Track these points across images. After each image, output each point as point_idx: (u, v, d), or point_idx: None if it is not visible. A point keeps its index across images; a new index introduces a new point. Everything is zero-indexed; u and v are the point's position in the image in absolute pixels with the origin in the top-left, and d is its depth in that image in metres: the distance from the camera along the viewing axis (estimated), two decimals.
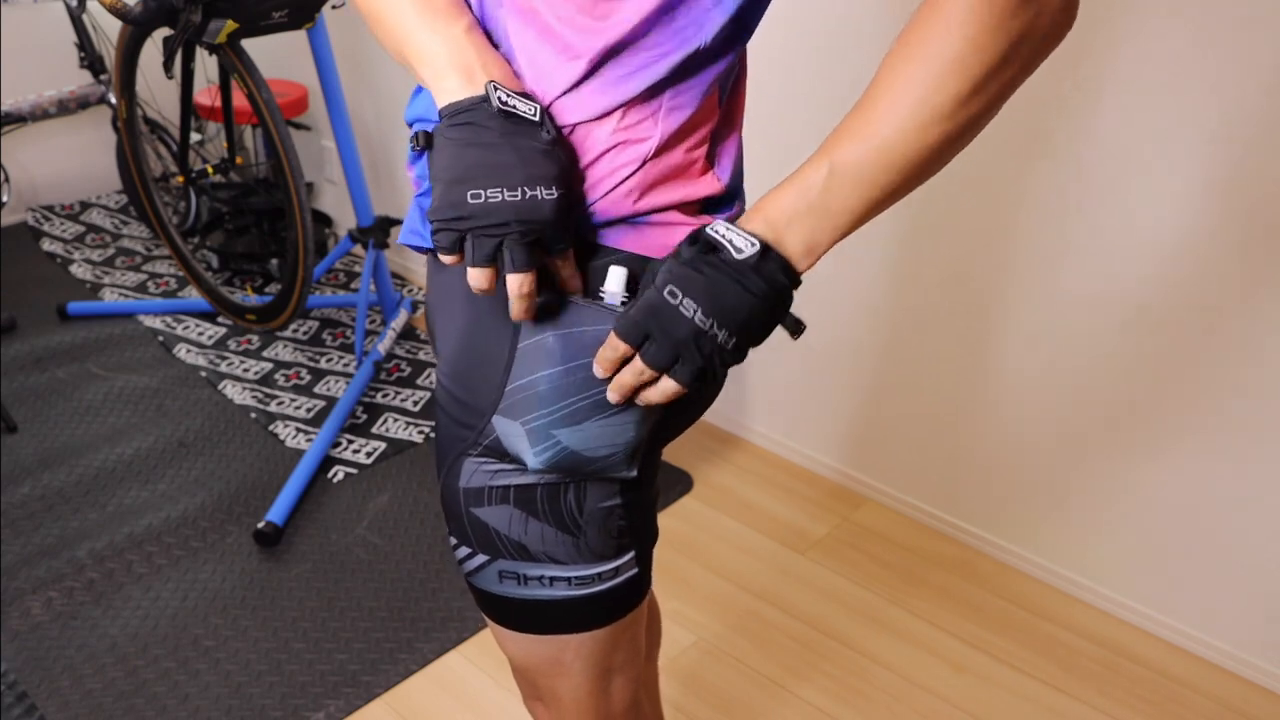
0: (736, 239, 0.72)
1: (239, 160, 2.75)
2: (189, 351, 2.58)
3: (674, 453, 2.26)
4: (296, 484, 2.10)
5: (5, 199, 2.94)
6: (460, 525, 0.89)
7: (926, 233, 1.88)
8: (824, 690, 1.75)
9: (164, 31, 2.11)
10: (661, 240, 0.80)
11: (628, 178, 0.77)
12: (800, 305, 0.76)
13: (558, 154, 0.74)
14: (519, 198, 0.72)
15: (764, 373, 2.26)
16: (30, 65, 2.98)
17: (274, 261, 2.89)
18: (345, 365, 2.59)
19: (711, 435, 2.36)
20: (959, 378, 1.97)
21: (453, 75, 0.75)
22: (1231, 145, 1.52)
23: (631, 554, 0.91)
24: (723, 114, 0.82)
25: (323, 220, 3.08)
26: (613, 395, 0.78)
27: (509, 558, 0.88)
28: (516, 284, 0.74)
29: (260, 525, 1.98)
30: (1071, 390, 1.83)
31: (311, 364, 2.59)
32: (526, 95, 0.75)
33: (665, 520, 2.09)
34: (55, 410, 2.36)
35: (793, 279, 0.74)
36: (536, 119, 0.73)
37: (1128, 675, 1.80)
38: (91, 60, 2.82)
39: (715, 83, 0.79)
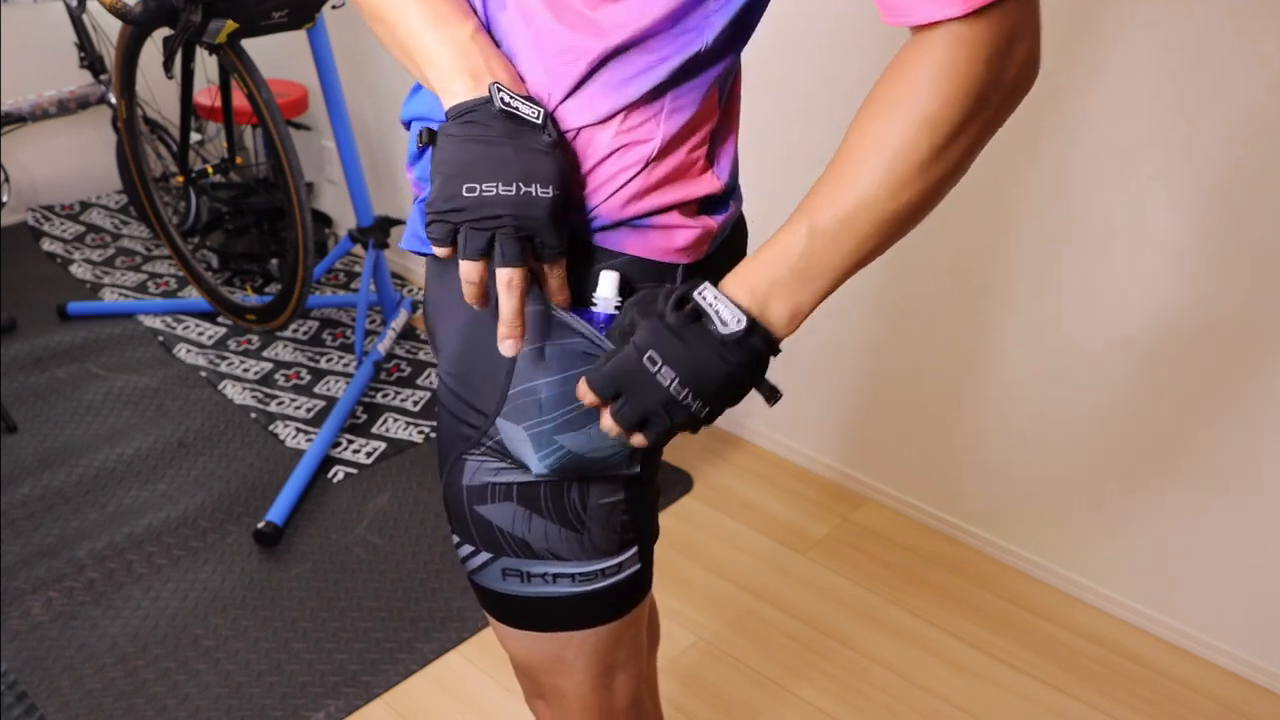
0: (723, 311, 0.73)
1: (239, 160, 2.75)
2: (189, 351, 2.58)
3: (674, 453, 2.26)
4: (296, 484, 2.10)
5: (5, 199, 2.94)
6: (463, 523, 0.90)
7: (926, 232, 1.87)
8: (824, 690, 1.76)
9: (164, 31, 2.11)
10: (663, 243, 0.80)
11: (630, 180, 0.77)
12: None
13: (557, 156, 0.74)
14: (514, 193, 0.72)
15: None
16: (30, 65, 2.98)
17: (274, 261, 2.89)
18: (345, 365, 2.59)
19: (711, 435, 2.36)
20: (959, 378, 1.97)
21: (459, 78, 0.75)
22: (1232, 146, 1.52)
23: (634, 549, 0.91)
24: (722, 113, 0.83)
25: (323, 220, 3.08)
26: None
27: (512, 555, 0.88)
28: (505, 278, 0.75)
29: (260, 525, 1.98)
30: (1071, 390, 1.83)
31: (311, 364, 2.59)
32: (530, 99, 0.75)
33: (665, 520, 2.09)
34: (55, 410, 2.36)
35: (773, 348, 0.75)
36: (539, 121, 0.74)
37: (1128, 675, 1.80)
38: (91, 60, 2.82)
39: (715, 83, 0.79)
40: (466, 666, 1.77)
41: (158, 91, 2.92)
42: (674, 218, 0.80)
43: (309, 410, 2.40)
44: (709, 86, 0.78)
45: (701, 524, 2.12)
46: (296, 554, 1.98)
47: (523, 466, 0.85)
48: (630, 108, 0.76)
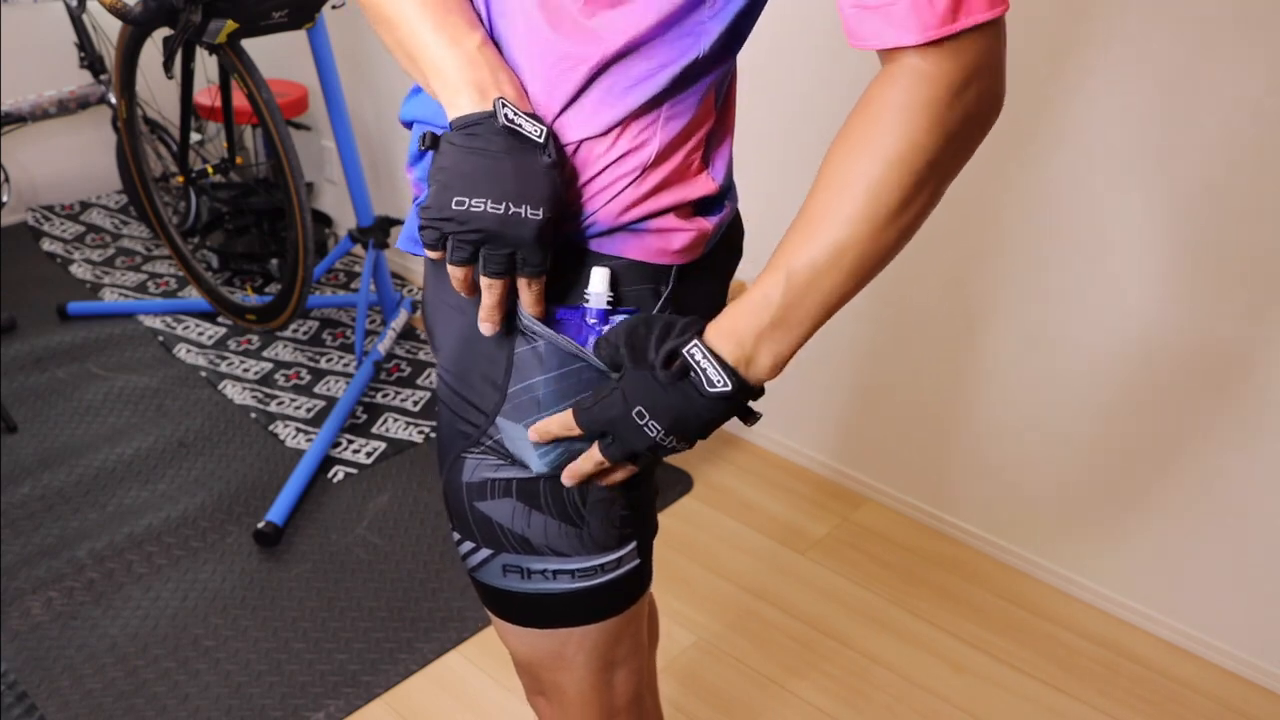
0: (711, 372, 0.75)
1: (239, 160, 2.75)
2: (189, 351, 2.58)
3: None
4: (296, 484, 2.10)
5: (5, 199, 2.94)
6: (464, 520, 0.90)
7: (922, 238, 1.87)
8: (824, 690, 1.76)
9: (164, 31, 2.11)
10: (660, 245, 0.81)
11: (627, 187, 0.78)
12: None
13: (554, 177, 0.75)
14: (502, 211, 0.74)
15: None
16: (30, 65, 2.98)
17: (274, 261, 2.89)
18: (345, 365, 2.59)
19: (711, 436, 2.35)
20: (958, 378, 1.97)
21: (465, 91, 0.75)
22: (1220, 152, 1.52)
23: (633, 545, 0.91)
24: (718, 115, 0.83)
25: (323, 220, 3.08)
26: (566, 479, 0.83)
27: (512, 551, 0.89)
28: (484, 287, 0.78)
29: (260, 525, 1.98)
30: (1071, 390, 1.83)
31: (311, 364, 2.59)
32: (534, 116, 0.75)
33: (665, 520, 2.09)
34: (55, 410, 2.36)
35: (755, 395, 0.79)
36: (540, 140, 0.74)
37: (1128, 675, 1.80)
38: (91, 60, 2.82)
39: (711, 87, 0.80)
40: (466, 666, 1.77)
41: (158, 91, 2.92)
42: (670, 220, 0.81)
43: (309, 410, 2.40)
44: (705, 91, 0.79)
45: (701, 524, 2.12)
46: (296, 554, 1.98)
47: (522, 464, 0.85)
48: (629, 118, 0.76)
